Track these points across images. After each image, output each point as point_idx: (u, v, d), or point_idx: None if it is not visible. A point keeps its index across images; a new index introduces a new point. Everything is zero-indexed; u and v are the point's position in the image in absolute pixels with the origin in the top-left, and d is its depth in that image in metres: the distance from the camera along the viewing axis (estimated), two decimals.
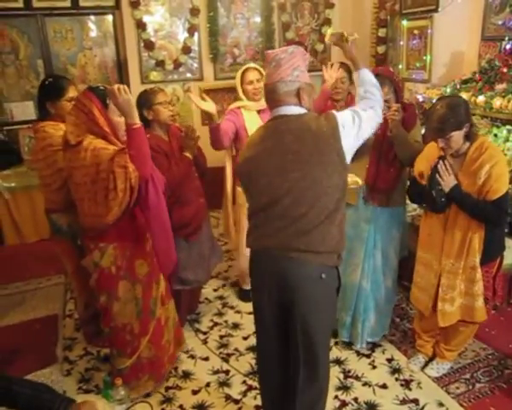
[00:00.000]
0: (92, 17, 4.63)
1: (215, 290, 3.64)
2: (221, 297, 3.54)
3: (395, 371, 2.71)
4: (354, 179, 2.50)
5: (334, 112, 1.81)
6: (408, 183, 2.74)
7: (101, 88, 2.20)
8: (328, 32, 2.22)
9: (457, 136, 2.23)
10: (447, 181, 2.28)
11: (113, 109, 2.15)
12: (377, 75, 2.31)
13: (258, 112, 3.13)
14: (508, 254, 3.02)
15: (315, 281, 1.79)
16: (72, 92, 2.57)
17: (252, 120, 3.08)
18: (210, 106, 2.77)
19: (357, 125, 1.80)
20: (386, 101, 2.44)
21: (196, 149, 2.84)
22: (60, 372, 2.65)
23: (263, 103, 3.09)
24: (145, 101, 2.71)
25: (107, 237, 2.23)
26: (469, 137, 2.28)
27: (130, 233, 2.28)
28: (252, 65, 3.19)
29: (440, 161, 2.30)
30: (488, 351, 2.82)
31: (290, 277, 1.79)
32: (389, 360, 2.79)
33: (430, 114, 2.28)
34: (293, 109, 1.80)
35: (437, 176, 2.29)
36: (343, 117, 1.80)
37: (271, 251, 1.81)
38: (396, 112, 2.50)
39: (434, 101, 3.55)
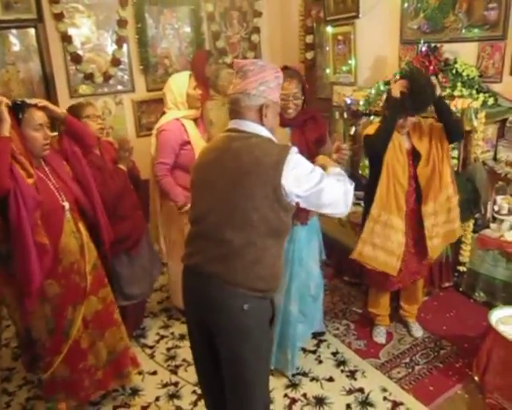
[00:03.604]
0: (13, 31, 4.46)
1: (159, 303, 3.61)
2: (166, 310, 3.52)
3: (340, 363, 2.82)
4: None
5: (293, 148, 1.69)
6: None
7: (17, 102, 2.18)
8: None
9: None
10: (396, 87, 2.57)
11: (28, 122, 2.16)
12: (287, 68, 2.38)
13: (194, 121, 3.11)
14: None
15: (236, 311, 1.67)
16: None
17: (193, 130, 3.05)
18: None
19: (310, 183, 1.66)
20: (295, 97, 2.47)
21: (130, 161, 2.84)
22: None
23: (199, 111, 3.12)
24: (73, 115, 2.64)
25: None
26: None
27: None
28: (191, 72, 3.16)
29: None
30: (425, 335, 3.01)
31: (209, 303, 1.70)
32: (334, 354, 2.90)
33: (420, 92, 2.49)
34: (250, 126, 1.72)
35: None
36: (300, 161, 1.68)
37: (194, 271, 1.74)
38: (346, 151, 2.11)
39: (362, 102, 3.77)
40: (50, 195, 2.22)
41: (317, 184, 1.69)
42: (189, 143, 3.00)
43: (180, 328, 3.27)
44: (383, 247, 2.66)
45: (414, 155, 2.68)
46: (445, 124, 2.62)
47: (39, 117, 2.21)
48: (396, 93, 2.54)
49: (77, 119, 2.64)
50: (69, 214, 2.30)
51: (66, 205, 2.29)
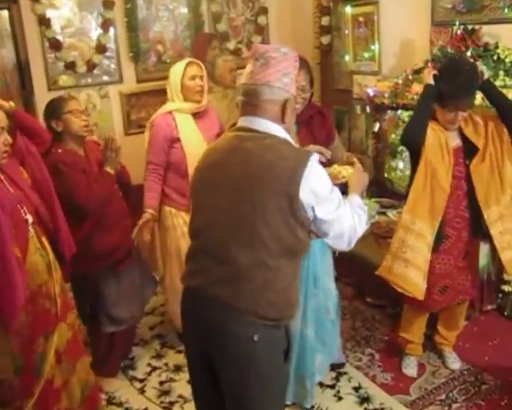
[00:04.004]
0: None
1: (151, 329, 3.59)
2: (159, 336, 3.49)
3: (364, 400, 2.78)
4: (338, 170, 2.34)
5: (315, 155, 1.68)
6: None
7: None
8: None
9: None
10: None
11: None
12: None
13: (194, 115, 3.11)
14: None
15: (245, 342, 1.65)
16: None
17: (186, 125, 3.06)
18: None
19: (327, 208, 1.66)
20: (303, 90, 2.48)
21: (118, 163, 2.85)
22: None
23: (202, 104, 3.11)
24: (53, 110, 2.71)
25: None
26: None
27: None
28: (193, 60, 3.18)
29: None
30: (463, 366, 2.96)
31: (213, 331, 1.69)
32: (356, 389, 2.86)
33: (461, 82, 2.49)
34: (264, 124, 1.70)
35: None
36: (322, 174, 1.67)
37: (195, 293, 1.73)
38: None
39: (387, 95, 3.74)
40: (12, 207, 2.18)
41: (332, 212, 1.69)
42: (178, 140, 3.02)
43: (175, 358, 3.23)
44: (415, 263, 2.60)
45: (466, 153, 2.64)
46: (501, 110, 2.60)
47: (1, 119, 2.17)
48: (428, 79, 2.57)
49: (57, 115, 2.68)
50: (32, 229, 2.27)
51: (30, 218, 2.25)
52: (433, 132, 2.58)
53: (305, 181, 1.60)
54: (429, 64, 2.65)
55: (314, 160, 1.66)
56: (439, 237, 2.63)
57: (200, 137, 3.06)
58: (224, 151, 1.75)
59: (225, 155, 1.72)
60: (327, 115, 2.71)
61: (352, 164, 2.11)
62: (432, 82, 2.57)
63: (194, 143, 3.00)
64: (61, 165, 2.61)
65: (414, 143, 2.62)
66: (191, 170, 2.92)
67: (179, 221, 3.08)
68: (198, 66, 3.10)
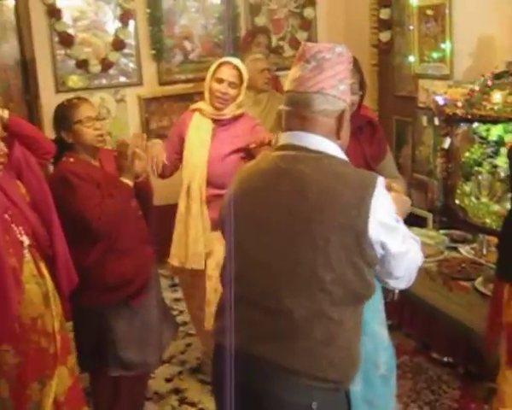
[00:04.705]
0: None
1: (168, 381, 3.58)
2: (177, 390, 3.48)
3: None
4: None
5: (380, 179, 1.65)
6: None
7: None
8: None
9: None
10: None
11: None
12: None
13: (216, 122, 3.19)
14: None
15: None
16: None
17: (198, 130, 3.19)
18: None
19: (394, 241, 1.64)
20: (351, 92, 2.45)
21: (145, 172, 2.88)
22: None
23: (225, 113, 3.18)
24: (62, 119, 2.76)
25: None
26: None
27: None
28: (233, 60, 3.19)
29: None
30: None
31: (258, 400, 1.66)
32: None
33: None
34: (316, 141, 1.67)
35: None
36: (389, 201, 1.67)
37: (234, 354, 1.67)
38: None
39: (460, 104, 3.74)
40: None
41: (400, 244, 1.66)
42: (184, 141, 3.22)
43: None
44: None
45: None
46: None
47: None
48: None
49: (66, 126, 2.73)
50: (28, 253, 2.32)
51: (26, 240, 2.30)
52: None
53: (373, 214, 1.58)
54: None
55: (381, 184, 1.64)
56: None
57: (205, 147, 3.15)
58: (267, 175, 1.72)
59: (271, 181, 1.70)
60: (378, 128, 2.74)
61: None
62: None
63: (193, 152, 3.16)
64: (70, 176, 2.64)
65: None
66: (185, 179, 3.14)
67: None
68: (233, 68, 3.13)
